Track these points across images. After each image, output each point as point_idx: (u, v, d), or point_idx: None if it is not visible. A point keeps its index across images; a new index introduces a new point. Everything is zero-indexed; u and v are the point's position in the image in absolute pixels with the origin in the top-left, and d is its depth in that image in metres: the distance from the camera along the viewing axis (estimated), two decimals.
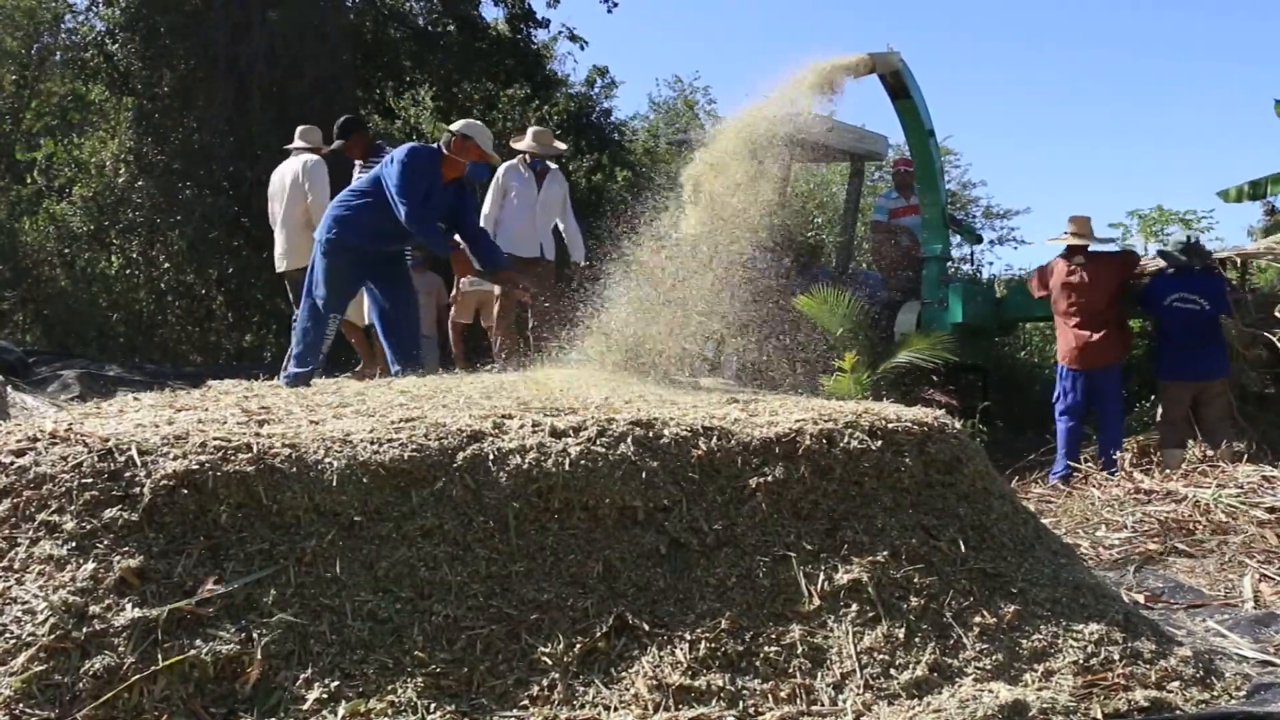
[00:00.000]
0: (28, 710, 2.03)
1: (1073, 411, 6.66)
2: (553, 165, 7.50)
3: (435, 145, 5.63)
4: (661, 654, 2.39)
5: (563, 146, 7.82)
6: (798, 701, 2.34)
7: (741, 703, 2.32)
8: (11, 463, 2.44)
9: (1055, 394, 6.81)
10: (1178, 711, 2.44)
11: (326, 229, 5.47)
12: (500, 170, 7.21)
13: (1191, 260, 6.51)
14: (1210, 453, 5.83)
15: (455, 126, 5.72)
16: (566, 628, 2.41)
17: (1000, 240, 18.00)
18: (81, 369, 9.28)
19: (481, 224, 7.08)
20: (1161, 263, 6.78)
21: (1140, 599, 3.65)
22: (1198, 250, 6.58)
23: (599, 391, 3.55)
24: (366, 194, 5.43)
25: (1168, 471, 5.82)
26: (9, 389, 6.88)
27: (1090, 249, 6.76)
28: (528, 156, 7.23)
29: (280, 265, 7.22)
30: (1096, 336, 6.58)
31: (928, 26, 36.24)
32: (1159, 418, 6.60)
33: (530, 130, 7.59)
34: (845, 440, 2.92)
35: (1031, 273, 7.43)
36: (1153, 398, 7.17)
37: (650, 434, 2.81)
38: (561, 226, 7.40)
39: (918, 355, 7.01)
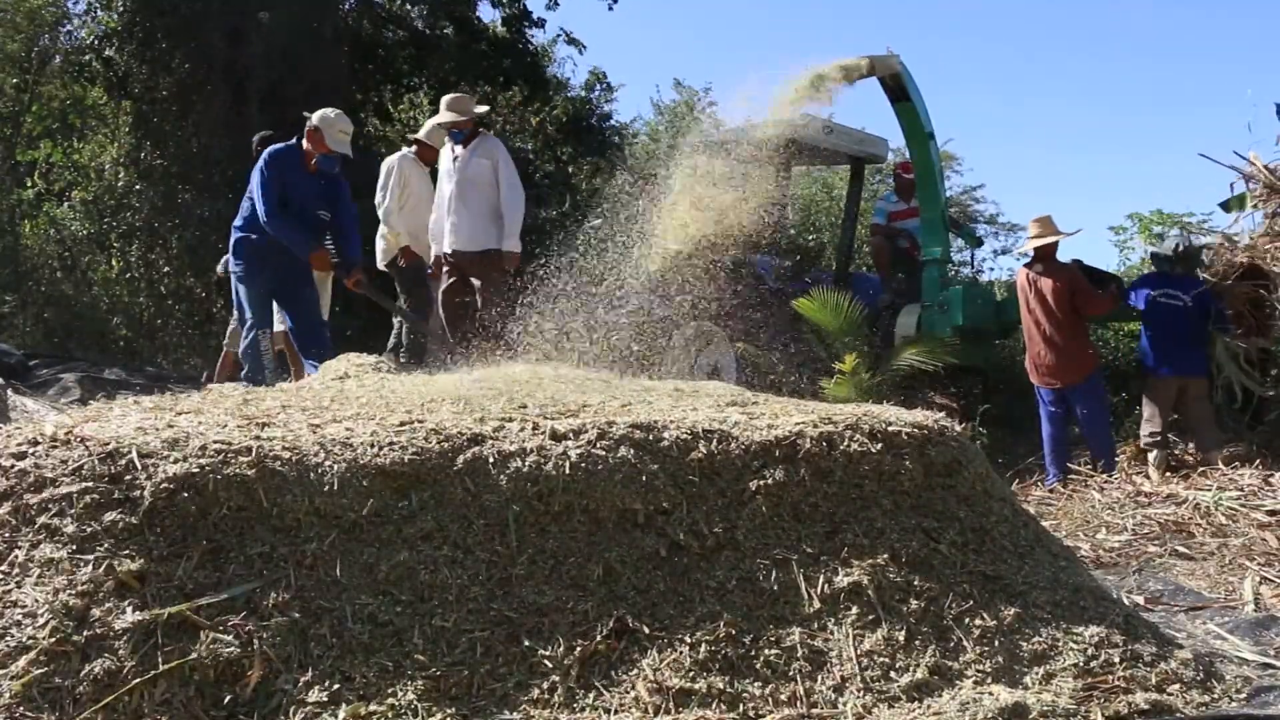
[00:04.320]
0: (28, 714, 2.02)
1: (1053, 420, 6.62)
2: (482, 131, 6.65)
3: (295, 141, 5.82)
4: (662, 657, 2.39)
5: (482, 109, 6.80)
6: (798, 704, 2.34)
7: (742, 705, 2.31)
8: (12, 466, 2.43)
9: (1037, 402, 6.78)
10: (1178, 714, 2.44)
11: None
12: (395, 159, 7.01)
13: (1175, 265, 6.55)
14: (1200, 454, 5.82)
15: (313, 118, 5.79)
16: (566, 631, 2.41)
17: (1004, 250, 18.06)
18: (82, 372, 9.29)
19: (381, 215, 7.01)
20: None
21: (1140, 601, 3.66)
22: (1185, 257, 6.57)
23: (597, 394, 3.55)
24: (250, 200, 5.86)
25: (1166, 474, 5.82)
26: (9, 392, 6.89)
27: (1055, 255, 6.69)
28: (444, 136, 6.55)
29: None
30: (1062, 352, 6.48)
31: (929, 27, 36.30)
32: (1143, 418, 6.56)
33: (444, 100, 6.65)
34: (845, 443, 2.92)
35: None
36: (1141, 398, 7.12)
37: (650, 437, 2.81)
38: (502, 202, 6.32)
39: (918, 358, 7.01)
